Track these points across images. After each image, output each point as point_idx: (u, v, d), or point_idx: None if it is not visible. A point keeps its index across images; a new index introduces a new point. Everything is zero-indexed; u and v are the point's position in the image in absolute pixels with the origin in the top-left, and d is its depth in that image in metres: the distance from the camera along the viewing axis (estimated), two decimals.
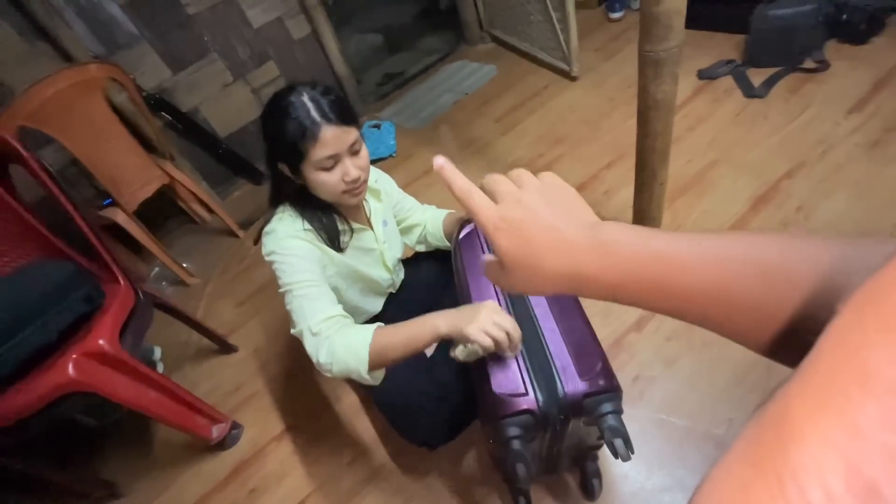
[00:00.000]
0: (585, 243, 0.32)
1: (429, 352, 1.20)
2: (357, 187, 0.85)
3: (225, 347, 1.65)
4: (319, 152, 0.78)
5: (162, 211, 2.32)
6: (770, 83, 1.75)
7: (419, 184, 2.06)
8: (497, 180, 0.37)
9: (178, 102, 2.17)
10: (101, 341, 1.06)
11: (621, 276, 0.30)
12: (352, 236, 0.96)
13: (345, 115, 0.80)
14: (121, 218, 1.79)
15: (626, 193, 1.59)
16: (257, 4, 2.22)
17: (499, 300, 0.86)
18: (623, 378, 0.89)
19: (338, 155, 0.80)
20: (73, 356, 1.02)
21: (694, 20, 2.18)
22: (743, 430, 0.17)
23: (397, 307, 1.16)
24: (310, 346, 0.77)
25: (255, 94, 2.39)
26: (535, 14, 2.32)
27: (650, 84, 0.97)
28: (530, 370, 0.76)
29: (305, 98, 0.77)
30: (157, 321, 1.57)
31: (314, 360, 0.77)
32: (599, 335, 0.78)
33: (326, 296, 0.82)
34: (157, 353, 1.72)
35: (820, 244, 0.26)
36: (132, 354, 1.12)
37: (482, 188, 0.37)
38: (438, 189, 2.00)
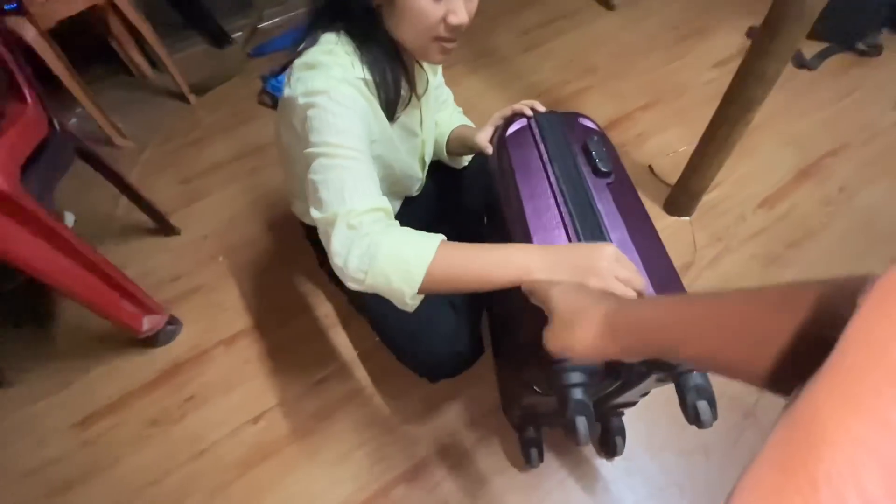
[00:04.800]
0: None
1: None
2: (454, 39, 0.61)
3: (164, 227, 1.33)
4: None
5: (90, 51, 1.82)
6: (822, 56, 1.63)
7: None
8: None
9: None
10: None
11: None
12: (405, 108, 0.71)
13: None
14: (30, 34, 1.33)
15: (662, 140, 1.45)
16: None
17: (561, 216, 0.67)
18: None
19: None
20: None
21: None
22: (771, 434, 0.16)
23: (410, 213, 0.93)
24: (339, 240, 0.52)
25: None
26: None
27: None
28: None
29: None
30: (74, 182, 1.21)
31: (339, 260, 0.52)
32: None
33: (374, 178, 0.57)
34: (70, 219, 1.36)
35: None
36: (40, 203, 0.81)
37: None
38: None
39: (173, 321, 1.12)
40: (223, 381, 1.04)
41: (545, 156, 0.76)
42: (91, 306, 0.93)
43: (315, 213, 0.55)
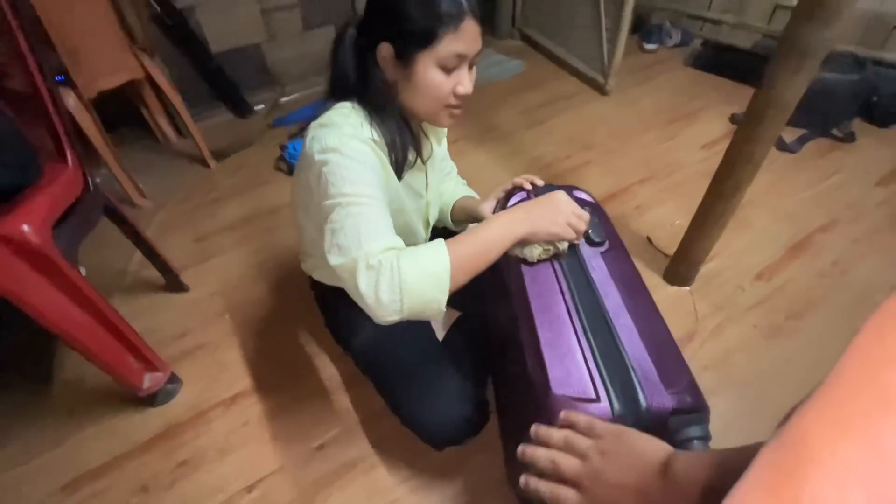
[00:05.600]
0: (658, 486, 0.36)
1: (439, 332, 1.02)
2: (461, 105, 0.71)
3: (173, 284, 1.35)
4: (453, 46, 0.63)
5: (120, 116, 1.95)
6: (801, 141, 1.76)
7: None
8: (572, 437, 0.44)
9: None
10: (25, 227, 0.77)
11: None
12: (411, 170, 0.78)
13: (482, 18, 0.67)
14: (72, 102, 1.44)
15: (659, 212, 1.52)
16: None
17: (558, 282, 0.71)
18: None
19: (465, 57, 0.65)
20: None
21: (731, 70, 2.22)
22: (759, 454, 0.16)
23: None
24: (365, 281, 0.56)
25: (263, 15, 2.10)
26: (582, 20, 2.24)
27: (780, 78, 0.86)
28: (602, 372, 0.60)
29: None
30: (88, 236, 1.25)
31: (370, 300, 0.56)
32: None
33: (388, 221, 0.63)
34: (81, 273, 1.38)
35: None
36: (66, 258, 0.84)
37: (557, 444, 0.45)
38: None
39: (173, 379, 1.10)
40: (220, 445, 1.00)
41: None
42: (97, 361, 0.92)
43: (335, 261, 0.59)
